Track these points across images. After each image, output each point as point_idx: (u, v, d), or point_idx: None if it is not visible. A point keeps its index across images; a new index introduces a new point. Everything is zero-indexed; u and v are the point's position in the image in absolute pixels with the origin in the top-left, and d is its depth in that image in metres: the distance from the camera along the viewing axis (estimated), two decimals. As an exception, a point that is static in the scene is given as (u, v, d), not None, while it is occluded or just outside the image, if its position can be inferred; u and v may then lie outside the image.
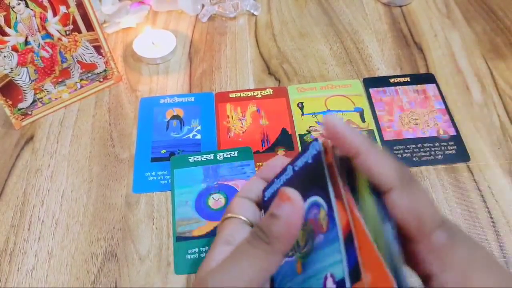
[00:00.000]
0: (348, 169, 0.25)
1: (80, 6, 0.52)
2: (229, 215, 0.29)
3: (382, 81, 0.60)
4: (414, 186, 0.24)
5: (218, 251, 0.27)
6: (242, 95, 0.59)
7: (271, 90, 0.59)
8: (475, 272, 0.23)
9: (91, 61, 0.57)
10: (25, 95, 0.54)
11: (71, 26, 0.53)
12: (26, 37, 0.51)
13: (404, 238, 0.24)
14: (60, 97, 0.57)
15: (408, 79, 0.60)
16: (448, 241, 0.23)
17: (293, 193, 0.24)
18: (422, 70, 0.61)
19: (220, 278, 0.24)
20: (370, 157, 0.24)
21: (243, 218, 0.29)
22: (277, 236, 0.23)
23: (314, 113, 0.57)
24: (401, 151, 0.53)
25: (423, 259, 0.24)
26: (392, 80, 0.60)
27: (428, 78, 0.60)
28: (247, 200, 0.30)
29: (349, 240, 0.22)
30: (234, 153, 0.52)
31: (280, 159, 0.31)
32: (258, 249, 0.24)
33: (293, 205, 0.23)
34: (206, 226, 0.47)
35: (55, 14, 0.51)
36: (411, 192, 0.23)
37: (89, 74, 0.58)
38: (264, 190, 0.31)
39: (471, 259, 0.24)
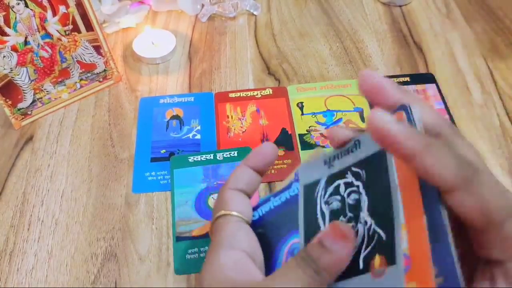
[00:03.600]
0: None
1: (80, 6, 0.52)
2: (222, 212, 0.28)
3: (382, 81, 0.60)
4: (479, 180, 0.22)
5: (224, 255, 0.26)
6: (241, 95, 0.59)
7: (270, 90, 0.59)
8: None
9: (90, 61, 0.57)
10: (24, 95, 0.54)
11: (70, 26, 0.53)
12: (26, 37, 0.51)
13: (471, 228, 0.23)
14: (60, 97, 0.57)
15: (408, 79, 0.60)
16: None
17: (348, 231, 0.24)
18: (422, 70, 0.61)
19: None
20: (427, 159, 0.21)
21: (237, 215, 0.28)
22: (326, 268, 0.24)
23: (314, 113, 0.57)
24: (401, 151, 0.53)
25: (492, 246, 0.23)
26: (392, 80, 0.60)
27: (428, 78, 0.60)
28: (238, 192, 0.29)
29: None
30: (234, 153, 0.52)
31: (269, 146, 0.30)
32: (306, 275, 0.24)
33: (347, 245, 0.24)
34: (206, 226, 0.47)
35: (54, 14, 0.51)
36: (475, 189, 0.21)
37: (89, 74, 0.58)
38: (255, 208, 0.30)
39: None
